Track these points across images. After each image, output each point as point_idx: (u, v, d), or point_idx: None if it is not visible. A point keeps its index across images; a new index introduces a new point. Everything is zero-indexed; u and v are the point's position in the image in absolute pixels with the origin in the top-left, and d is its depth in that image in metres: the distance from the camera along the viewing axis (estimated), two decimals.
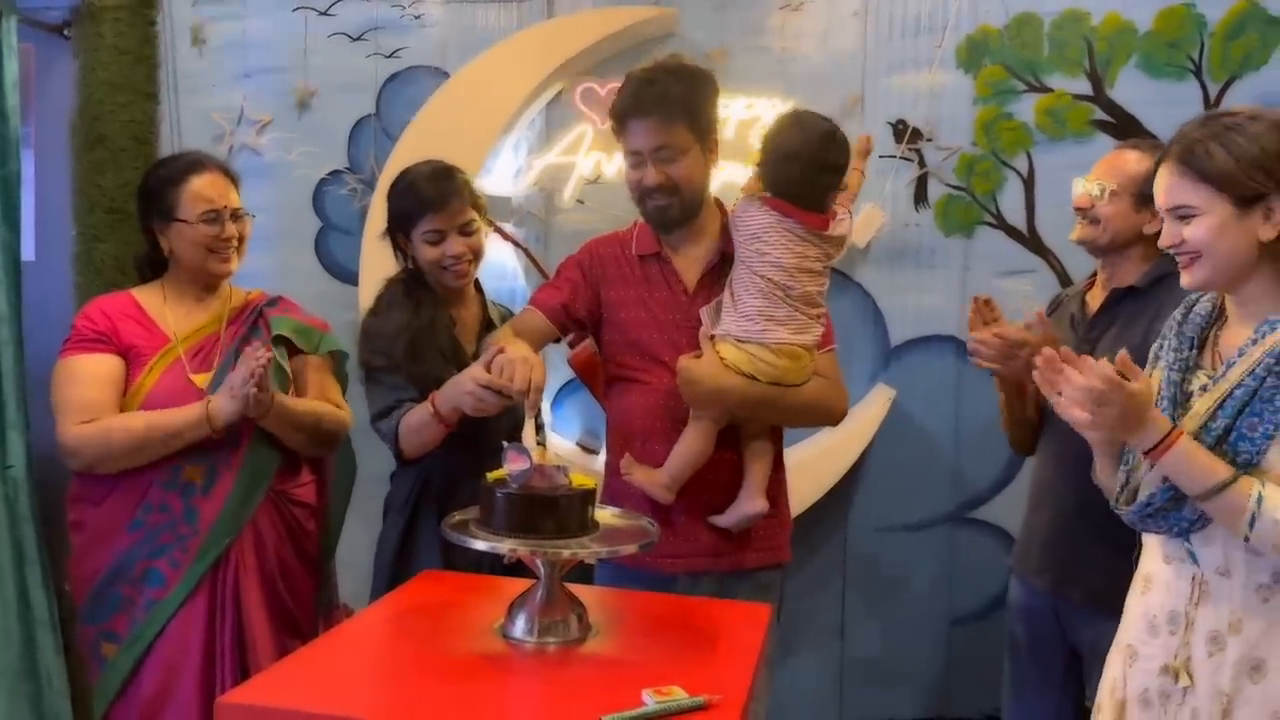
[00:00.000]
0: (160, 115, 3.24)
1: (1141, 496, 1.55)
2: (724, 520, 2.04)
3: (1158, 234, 2.01)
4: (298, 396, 2.23)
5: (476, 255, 2.20)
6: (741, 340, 1.97)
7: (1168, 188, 1.55)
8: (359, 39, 3.20)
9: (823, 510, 2.93)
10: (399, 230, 2.21)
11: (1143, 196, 2.01)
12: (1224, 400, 1.48)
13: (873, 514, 3.02)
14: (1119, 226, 2.09)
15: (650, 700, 1.32)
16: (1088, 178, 2.16)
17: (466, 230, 2.17)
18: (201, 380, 2.13)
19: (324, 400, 2.26)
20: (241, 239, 2.21)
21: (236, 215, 2.19)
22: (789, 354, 1.98)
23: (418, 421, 2.06)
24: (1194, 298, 1.67)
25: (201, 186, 2.14)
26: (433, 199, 2.13)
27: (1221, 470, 1.45)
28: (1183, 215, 1.53)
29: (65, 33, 3.14)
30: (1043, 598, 2.18)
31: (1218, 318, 1.62)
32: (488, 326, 2.27)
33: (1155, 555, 1.62)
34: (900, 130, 2.93)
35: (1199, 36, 2.79)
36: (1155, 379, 1.61)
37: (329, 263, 3.25)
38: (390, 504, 2.23)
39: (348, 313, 3.05)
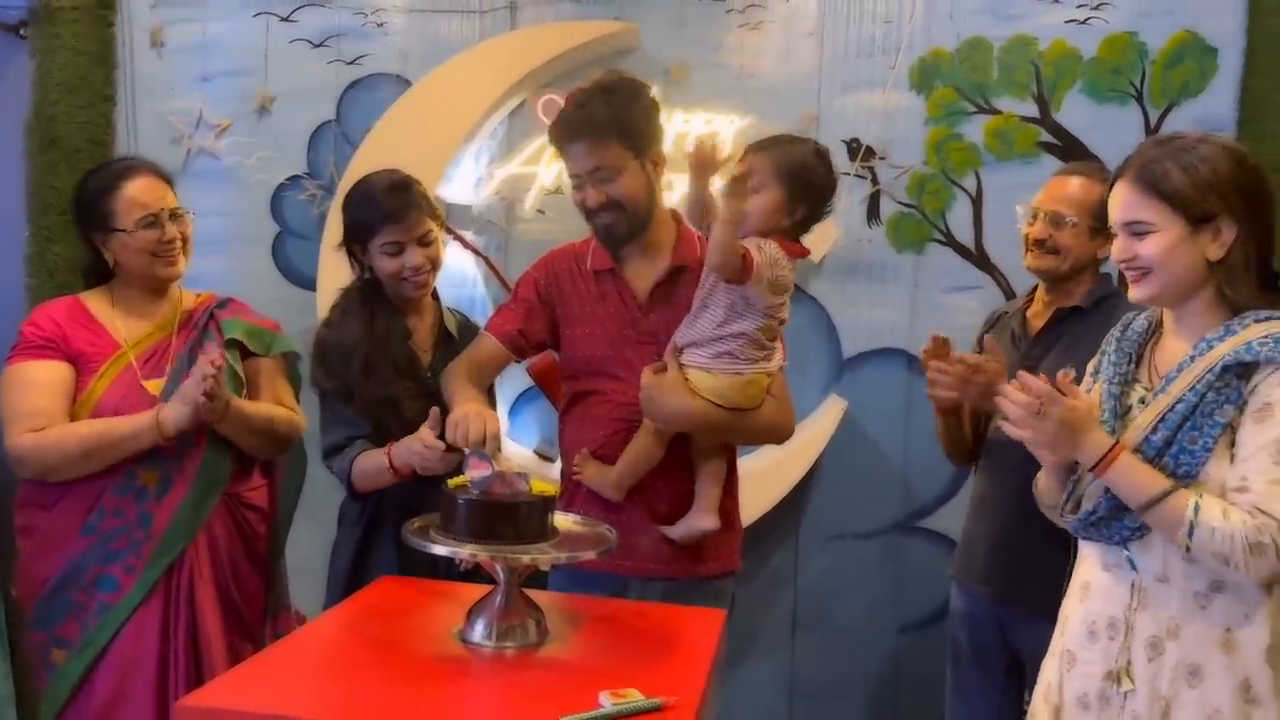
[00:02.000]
0: (117, 117, 3.23)
1: (1086, 506, 1.61)
2: (674, 532, 2.07)
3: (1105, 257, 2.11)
4: (251, 399, 2.22)
5: (435, 265, 2.22)
6: (715, 370, 1.98)
7: (1124, 204, 1.60)
8: (320, 45, 3.21)
9: (775, 519, 2.98)
10: (356, 242, 2.21)
11: (1098, 223, 2.07)
12: (1165, 414, 1.54)
13: (824, 523, 3.07)
14: (1079, 255, 2.16)
15: (607, 702, 1.36)
16: (1038, 205, 2.22)
17: (425, 241, 2.18)
18: (154, 386, 2.11)
19: (277, 403, 2.26)
20: (185, 239, 2.18)
21: (175, 215, 2.15)
22: (755, 382, 2.01)
23: (372, 469, 2.08)
24: (1130, 315, 1.74)
25: (136, 192, 2.11)
26: (391, 211, 2.14)
27: (1161, 483, 1.51)
28: (1137, 231, 1.58)
29: (22, 32, 3.13)
30: (985, 605, 2.24)
31: (1154, 334, 1.69)
32: (444, 335, 2.29)
33: (1094, 563, 1.68)
34: (854, 149, 3.00)
35: (1141, 64, 2.89)
36: (1095, 392, 1.68)
37: (286, 268, 3.25)
38: (345, 511, 2.24)
39: (305, 318, 3.03)
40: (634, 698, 1.37)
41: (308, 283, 3.17)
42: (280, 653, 1.57)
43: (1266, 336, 1.50)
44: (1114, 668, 1.60)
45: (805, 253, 2.01)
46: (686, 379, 1.99)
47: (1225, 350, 1.51)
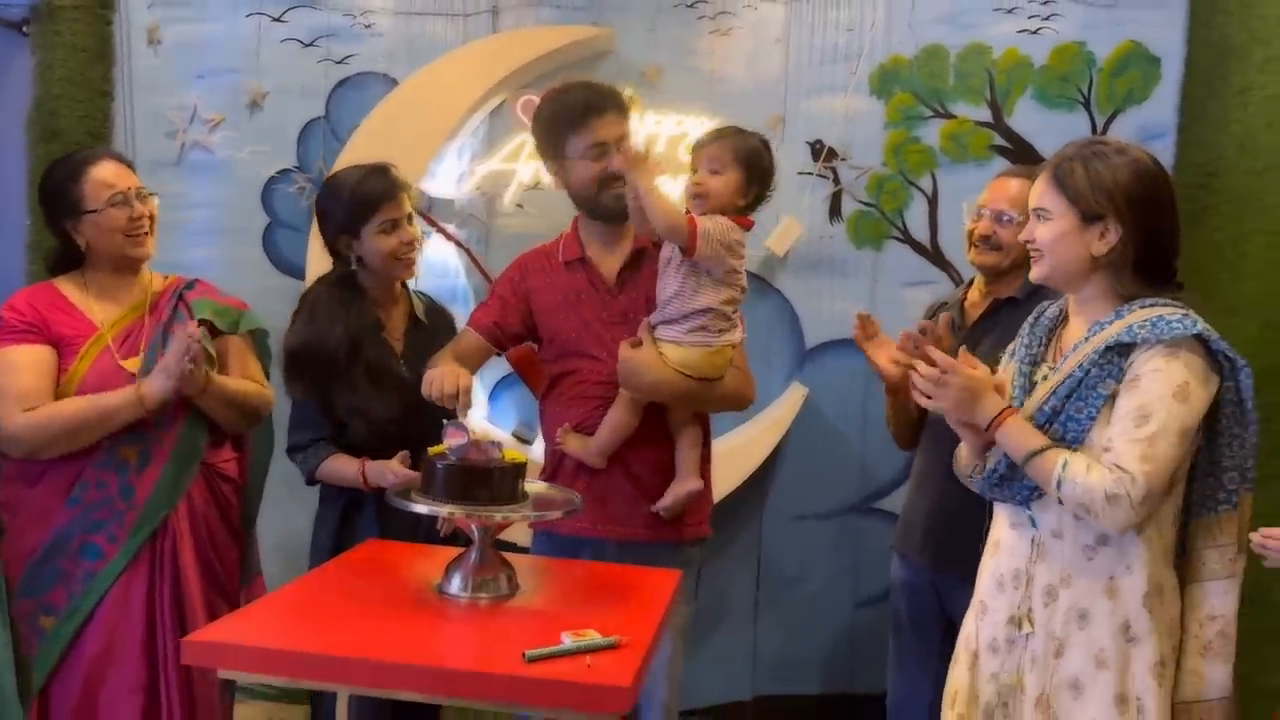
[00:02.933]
0: (115, 111, 3.33)
1: (989, 465, 1.80)
2: (664, 502, 2.23)
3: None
4: (222, 375, 2.30)
5: (418, 246, 2.37)
6: (685, 343, 2.16)
7: (1037, 192, 1.80)
8: (310, 45, 3.32)
9: (740, 499, 3.14)
10: (349, 229, 2.31)
11: None
12: (1056, 387, 1.73)
13: (786, 503, 3.23)
14: (1020, 251, 2.33)
15: (568, 640, 1.53)
16: (982, 204, 2.40)
17: (410, 220, 2.33)
18: (131, 364, 2.21)
19: (247, 378, 2.35)
20: (152, 219, 2.28)
21: (141, 195, 2.25)
22: (721, 353, 2.20)
23: (339, 474, 2.25)
24: (1045, 304, 1.92)
25: (102, 174, 2.21)
26: (384, 190, 2.28)
27: (1038, 440, 1.70)
28: (1040, 216, 1.78)
29: (24, 29, 3.23)
30: (923, 574, 2.42)
31: (1062, 320, 1.86)
32: (413, 321, 2.43)
33: (1003, 522, 1.86)
34: (817, 150, 3.16)
35: (1089, 72, 3.06)
36: (1010, 371, 1.85)
37: (276, 257, 3.36)
38: (325, 489, 2.36)
39: (293, 305, 3.18)
40: (592, 636, 1.54)
41: (296, 271, 3.28)
42: (274, 600, 1.73)
43: (1145, 321, 1.67)
44: (1016, 614, 1.78)
45: (751, 224, 2.21)
46: (660, 353, 2.16)
47: (1112, 331, 1.69)
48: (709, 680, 3.25)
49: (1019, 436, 1.71)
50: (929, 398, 1.76)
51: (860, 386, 3.15)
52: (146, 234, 2.26)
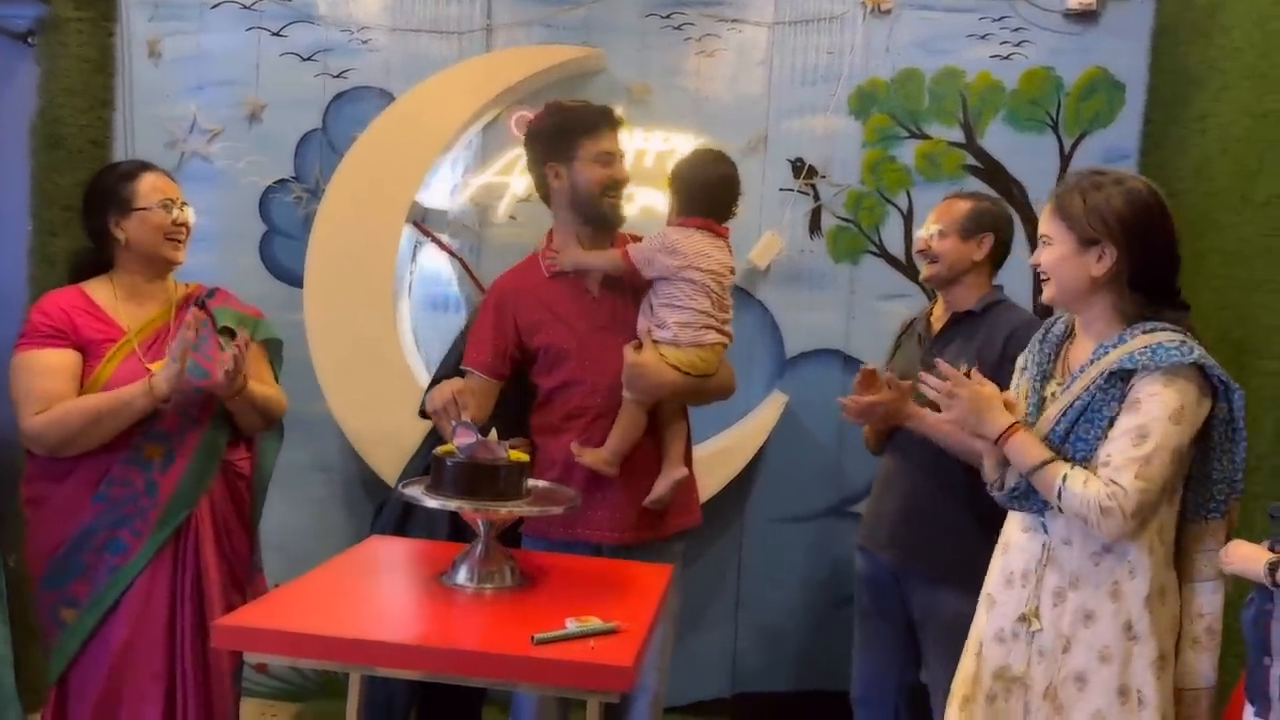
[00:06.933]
0: (116, 121, 3.42)
1: (1009, 483, 1.92)
2: (656, 492, 2.35)
3: (985, 263, 2.47)
4: None
5: None
6: (682, 344, 2.31)
7: (1043, 219, 1.93)
8: (309, 59, 3.41)
9: (722, 502, 3.25)
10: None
11: (966, 230, 2.48)
12: (1066, 410, 1.85)
13: (766, 507, 3.36)
14: (953, 259, 2.50)
15: (572, 624, 1.64)
16: (930, 222, 2.56)
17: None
18: (159, 368, 2.27)
19: (263, 384, 2.45)
20: (189, 229, 2.40)
21: (183, 205, 2.38)
22: (714, 350, 2.36)
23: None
24: (1052, 320, 2.05)
25: (155, 180, 2.35)
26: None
27: (1042, 455, 1.82)
28: (1045, 243, 1.91)
29: (30, 40, 3.30)
30: (886, 569, 2.55)
31: (1069, 336, 1.99)
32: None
33: (1015, 525, 1.99)
34: (798, 167, 3.30)
35: (1057, 96, 3.22)
36: (1023, 387, 1.98)
37: (273, 265, 3.45)
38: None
39: (289, 312, 3.28)
40: (594, 622, 1.65)
41: (293, 279, 3.37)
42: (291, 590, 1.82)
43: (1145, 348, 1.80)
44: (1025, 611, 1.91)
45: (719, 230, 2.39)
46: (661, 355, 2.29)
47: (1115, 358, 1.82)
48: (690, 678, 3.35)
49: (1025, 450, 1.84)
50: (944, 410, 1.90)
51: (837, 394, 3.14)
52: (182, 240, 2.38)
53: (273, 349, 2.55)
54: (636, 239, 2.44)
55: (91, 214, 2.36)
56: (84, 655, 2.24)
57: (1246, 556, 1.69)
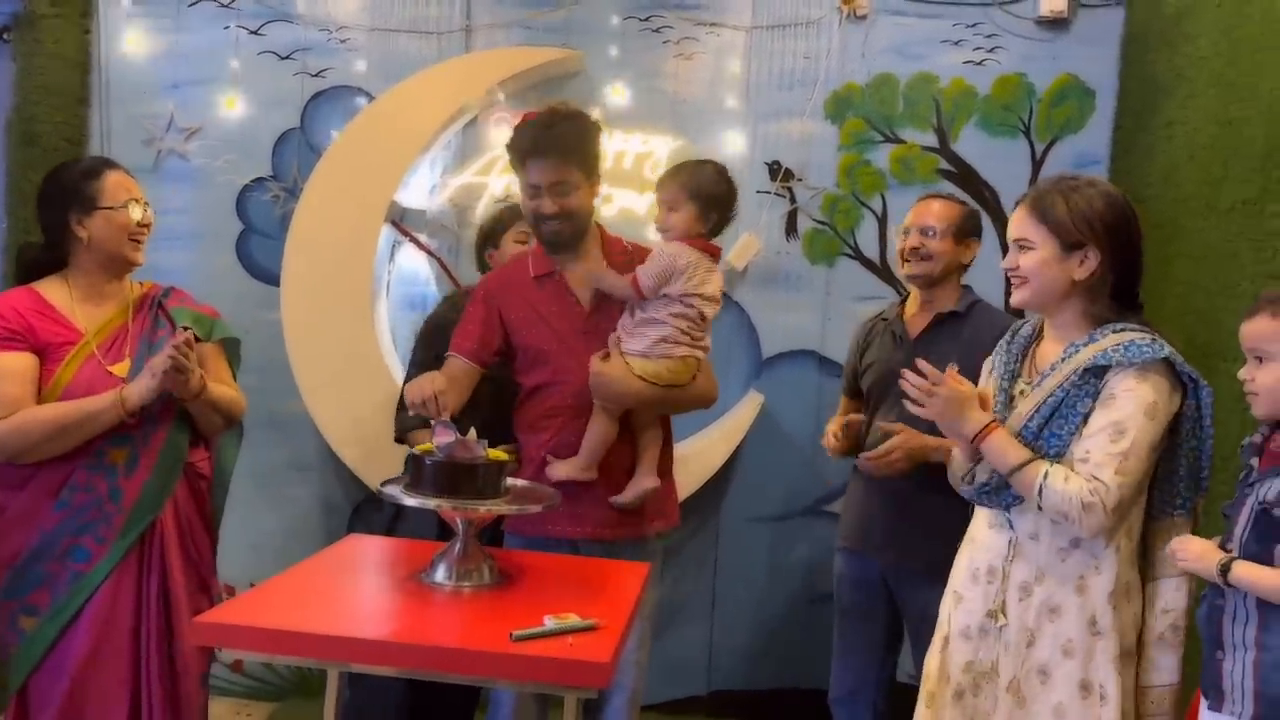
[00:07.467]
0: (92, 119, 3.40)
1: (980, 479, 1.95)
2: (624, 498, 2.36)
3: (966, 265, 2.50)
4: None
5: None
6: (652, 356, 2.29)
7: (1017, 223, 1.94)
8: (287, 58, 3.41)
9: (699, 501, 3.28)
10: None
11: (961, 233, 2.54)
12: (1040, 406, 1.88)
13: (742, 506, 3.39)
14: (948, 260, 2.53)
15: (550, 622, 1.66)
16: (909, 224, 2.59)
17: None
18: (120, 370, 2.24)
19: (220, 384, 2.40)
20: (149, 230, 2.34)
21: (146, 205, 2.31)
22: (686, 363, 2.34)
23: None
24: (1019, 323, 2.08)
25: (119, 178, 2.28)
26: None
27: (1022, 454, 1.85)
28: (1023, 246, 1.93)
29: (5, 37, 3.28)
30: (873, 568, 2.58)
31: (1036, 338, 2.03)
32: None
33: (982, 522, 2.03)
34: (775, 170, 3.33)
35: (1029, 102, 3.28)
36: (991, 386, 2.02)
37: (250, 264, 3.44)
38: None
39: (266, 310, 3.29)
40: (572, 619, 1.67)
41: (269, 278, 3.37)
42: (270, 588, 1.83)
43: (1118, 344, 1.84)
44: (992, 606, 1.94)
45: (716, 250, 2.36)
46: (629, 364, 2.29)
47: (1088, 355, 1.85)
48: (666, 676, 3.38)
49: (1004, 449, 1.87)
50: (921, 406, 1.92)
51: (813, 394, 3.33)
52: (142, 241, 2.32)
53: (230, 348, 2.50)
54: (620, 243, 2.46)
55: (50, 211, 2.28)
56: (46, 663, 2.18)
57: (1199, 555, 1.73)
